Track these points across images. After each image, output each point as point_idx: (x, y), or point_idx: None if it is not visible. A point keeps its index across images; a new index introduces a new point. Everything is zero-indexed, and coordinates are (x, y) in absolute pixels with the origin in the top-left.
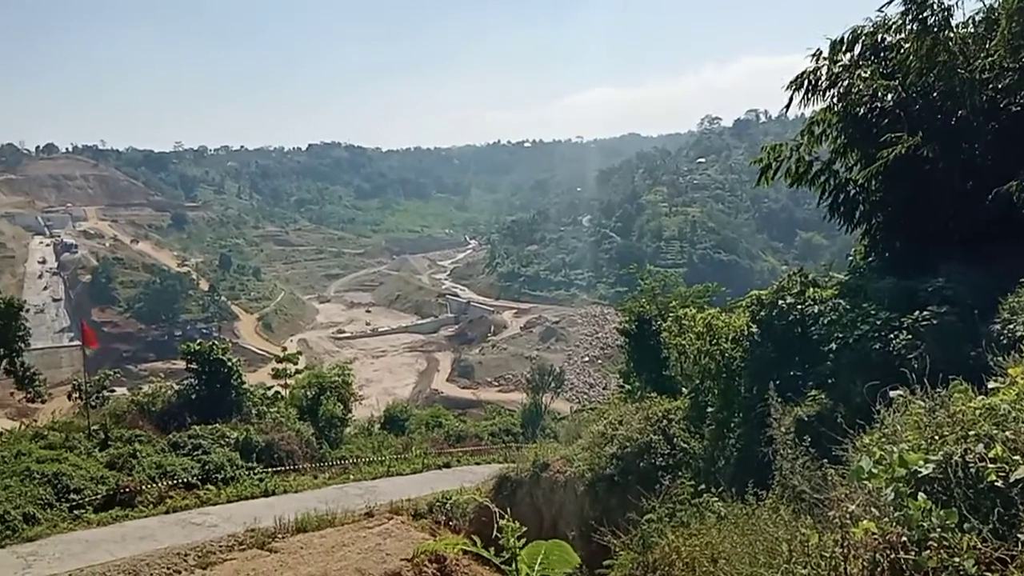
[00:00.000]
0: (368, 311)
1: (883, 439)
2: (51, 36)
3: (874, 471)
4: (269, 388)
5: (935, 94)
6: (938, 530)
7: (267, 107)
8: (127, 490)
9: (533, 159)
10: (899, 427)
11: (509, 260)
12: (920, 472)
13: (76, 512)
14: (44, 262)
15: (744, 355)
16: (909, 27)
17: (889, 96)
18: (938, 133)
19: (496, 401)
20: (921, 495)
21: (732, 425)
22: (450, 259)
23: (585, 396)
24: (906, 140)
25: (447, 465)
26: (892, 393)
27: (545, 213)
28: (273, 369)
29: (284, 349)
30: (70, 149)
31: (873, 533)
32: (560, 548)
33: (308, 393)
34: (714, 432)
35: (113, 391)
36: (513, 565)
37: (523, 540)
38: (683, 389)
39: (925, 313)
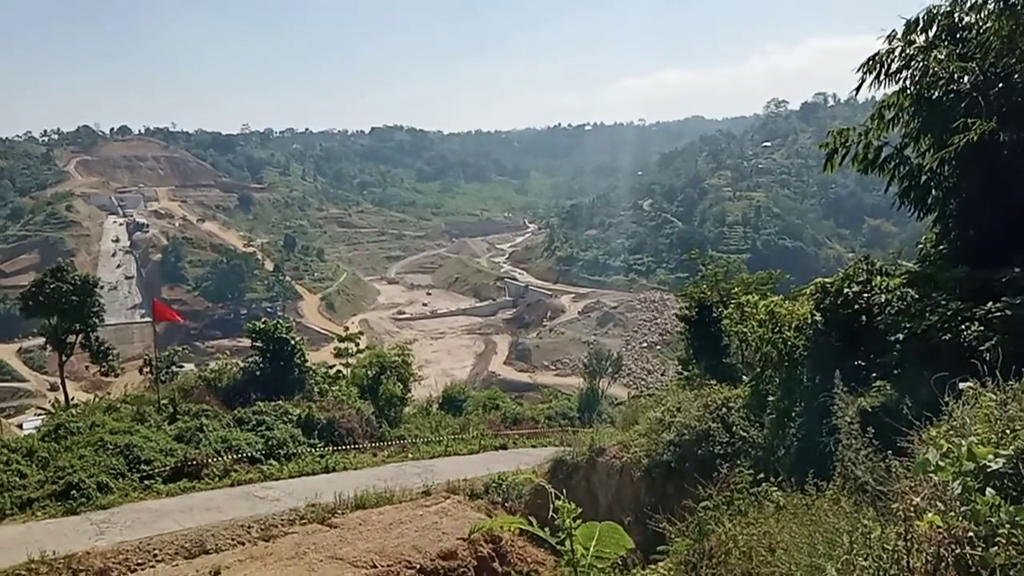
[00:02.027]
0: (428, 293)
1: (951, 432)
2: (124, 22)
3: (941, 464)
4: (331, 367)
5: (1016, 76)
6: (1007, 526)
7: (331, 91)
8: (194, 463)
9: (594, 142)
10: (968, 420)
11: (568, 244)
12: (990, 466)
13: (146, 482)
14: (117, 240)
15: (807, 344)
16: (990, 7)
17: (966, 79)
18: (1018, 117)
19: (553, 385)
20: (990, 490)
21: (793, 414)
22: (509, 242)
23: (643, 382)
24: (980, 125)
25: (503, 447)
26: (961, 385)
27: (605, 197)
28: (335, 348)
29: (346, 329)
30: (142, 131)
31: (938, 527)
32: (614, 530)
33: (369, 372)
34: (774, 421)
35: (181, 367)
36: (568, 544)
37: (578, 522)
38: (743, 377)
39: (999, 304)
